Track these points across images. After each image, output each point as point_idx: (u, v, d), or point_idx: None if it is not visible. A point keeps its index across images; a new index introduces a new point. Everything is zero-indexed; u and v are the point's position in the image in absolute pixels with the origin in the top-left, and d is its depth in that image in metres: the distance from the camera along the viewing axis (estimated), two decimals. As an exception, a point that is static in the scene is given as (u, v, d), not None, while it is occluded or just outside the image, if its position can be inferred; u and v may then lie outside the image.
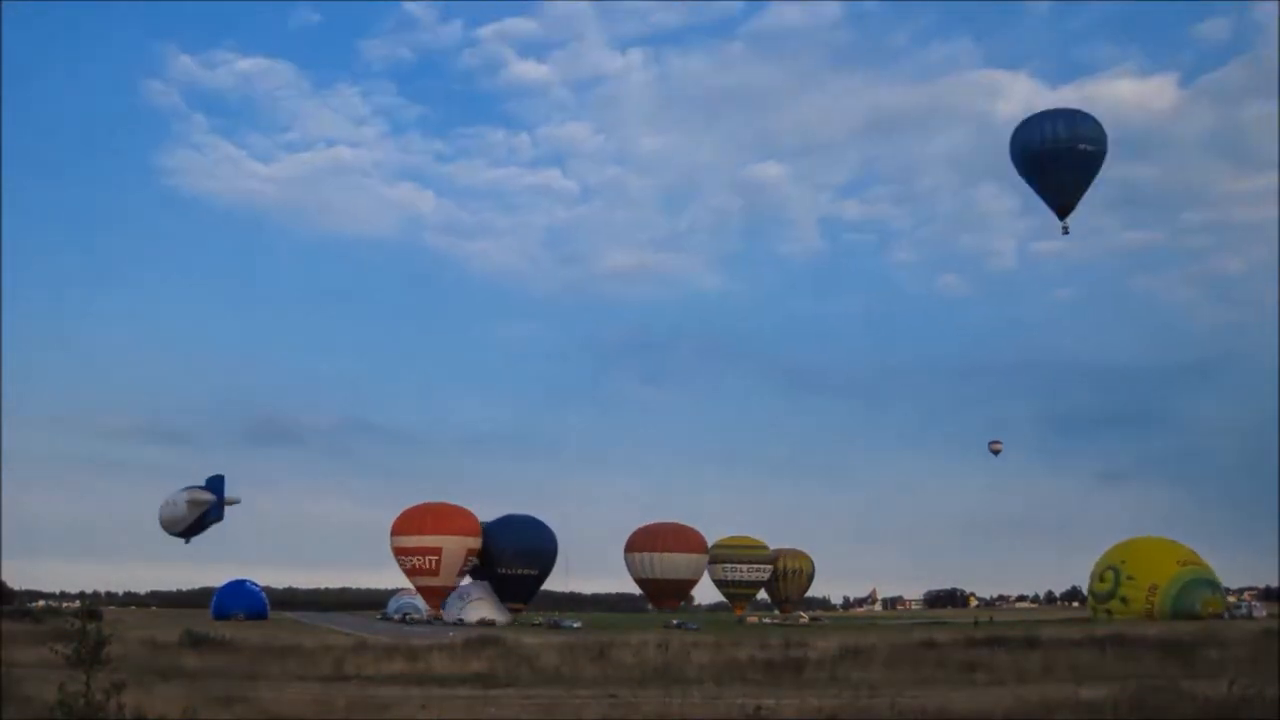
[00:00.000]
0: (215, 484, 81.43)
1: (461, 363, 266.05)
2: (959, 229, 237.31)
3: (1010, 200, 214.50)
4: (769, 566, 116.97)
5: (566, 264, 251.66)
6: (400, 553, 79.03)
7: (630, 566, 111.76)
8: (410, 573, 79.30)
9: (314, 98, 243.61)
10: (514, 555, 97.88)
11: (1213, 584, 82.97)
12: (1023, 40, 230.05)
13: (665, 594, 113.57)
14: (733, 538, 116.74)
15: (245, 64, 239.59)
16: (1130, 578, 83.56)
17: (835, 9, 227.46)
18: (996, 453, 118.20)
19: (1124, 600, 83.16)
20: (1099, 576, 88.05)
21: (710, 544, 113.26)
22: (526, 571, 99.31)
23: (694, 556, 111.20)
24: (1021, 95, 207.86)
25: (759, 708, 18.94)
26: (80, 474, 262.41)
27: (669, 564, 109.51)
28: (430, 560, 77.35)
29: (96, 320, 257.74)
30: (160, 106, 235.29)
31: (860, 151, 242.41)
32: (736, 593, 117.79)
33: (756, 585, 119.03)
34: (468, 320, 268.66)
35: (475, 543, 79.75)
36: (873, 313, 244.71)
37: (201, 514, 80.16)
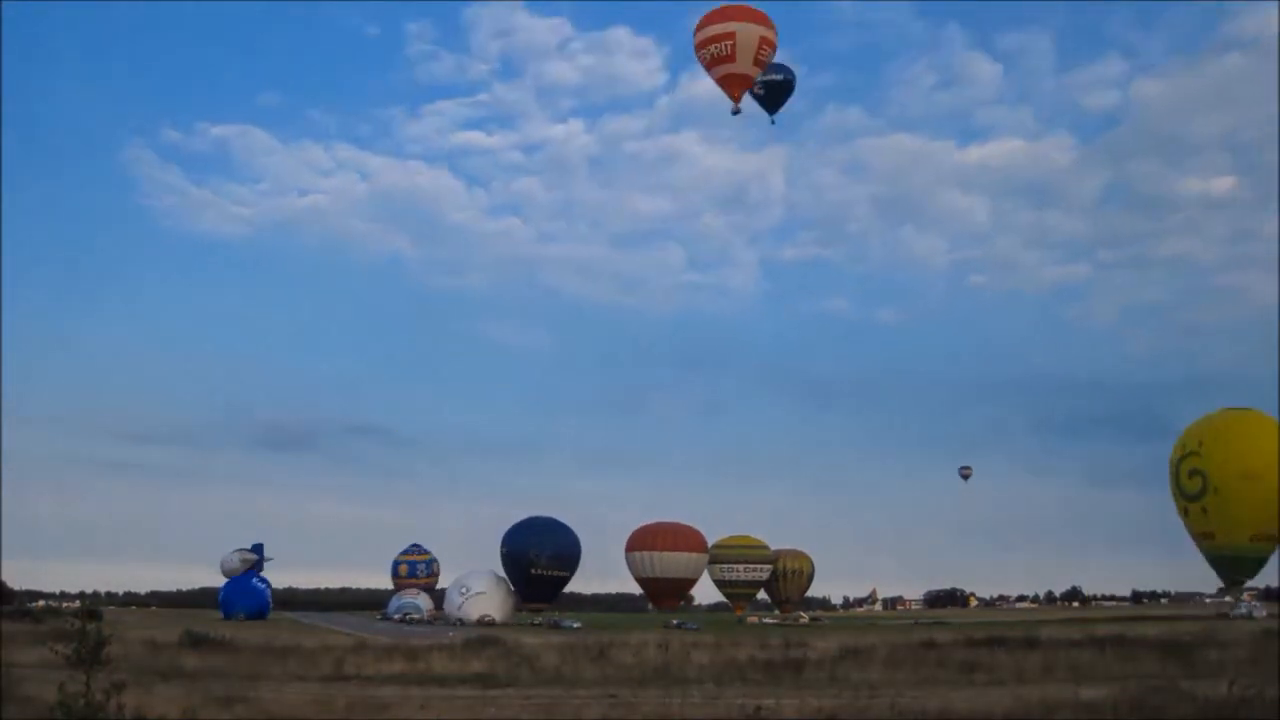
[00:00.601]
0: (257, 548, 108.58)
1: (459, 369, 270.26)
2: (891, 267, 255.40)
3: (936, 239, 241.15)
4: (769, 566, 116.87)
5: (542, 294, 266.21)
6: (701, 46, 79.62)
7: (631, 566, 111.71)
8: (711, 63, 79.47)
9: (282, 153, 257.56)
10: (550, 559, 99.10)
11: (1261, 563, 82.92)
12: (916, 105, 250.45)
13: (665, 593, 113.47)
14: (733, 537, 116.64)
15: (218, 130, 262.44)
16: (1210, 506, 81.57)
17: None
18: (966, 478, 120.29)
19: (1205, 511, 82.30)
20: (1186, 471, 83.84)
21: (711, 544, 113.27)
22: (559, 573, 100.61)
23: (694, 556, 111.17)
24: (933, 152, 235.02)
25: (759, 708, 18.94)
26: (80, 474, 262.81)
27: (669, 563, 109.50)
28: (726, 46, 77.87)
29: (96, 322, 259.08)
30: (142, 159, 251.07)
31: (786, 203, 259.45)
32: (736, 593, 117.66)
33: (756, 585, 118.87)
34: (461, 330, 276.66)
35: (769, 33, 79.79)
36: (846, 327, 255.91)
37: (249, 567, 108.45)
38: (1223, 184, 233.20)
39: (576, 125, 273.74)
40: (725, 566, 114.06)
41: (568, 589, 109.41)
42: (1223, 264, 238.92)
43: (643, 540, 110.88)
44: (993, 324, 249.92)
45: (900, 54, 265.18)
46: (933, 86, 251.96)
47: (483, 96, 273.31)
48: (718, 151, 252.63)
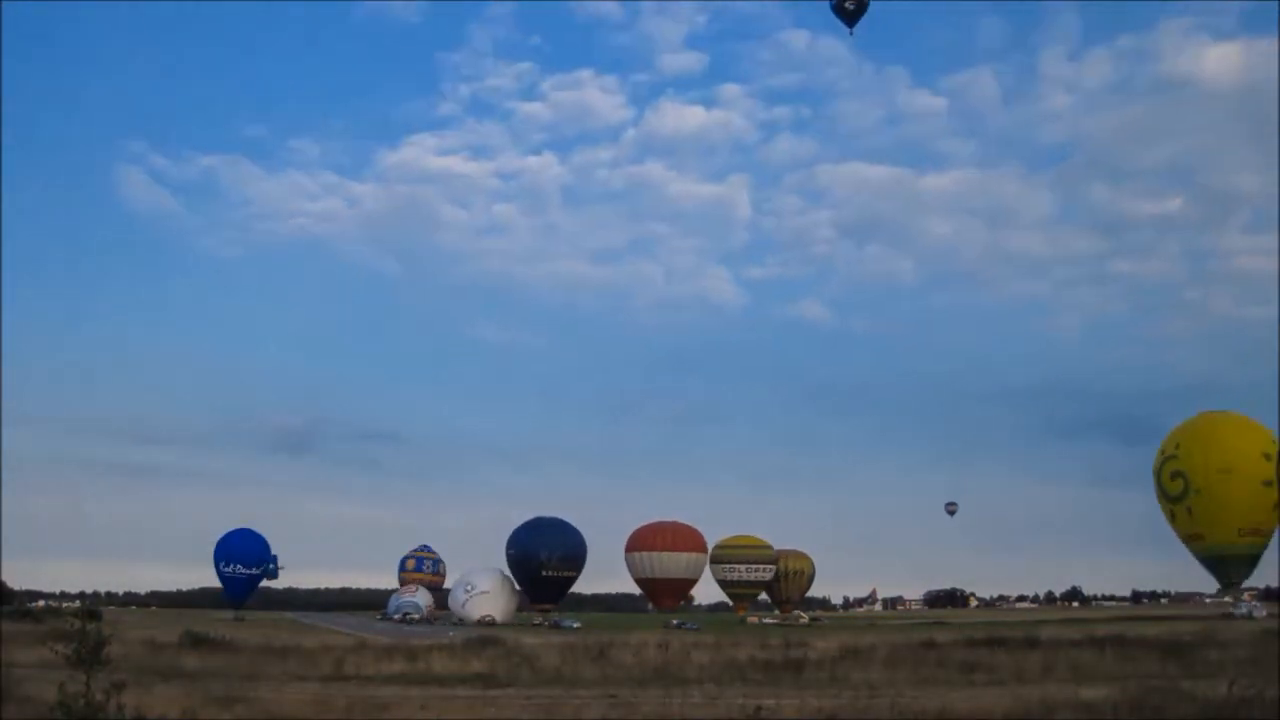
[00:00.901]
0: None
1: (457, 374, 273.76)
2: (861, 284, 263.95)
3: (902, 259, 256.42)
4: (773, 566, 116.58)
5: (533, 305, 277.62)
6: None
7: (630, 567, 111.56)
8: None
9: (269, 180, 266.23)
10: (560, 560, 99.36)
11: (1254, 560, 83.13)
12: (868, 137, 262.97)
13: (665, 593, 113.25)
14: (736, 537, 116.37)
15: (207, 159, 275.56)
16: (1194, 505, 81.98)
17: (701, 114, 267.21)
18: (952, 514, 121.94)
19: (1190, 511, 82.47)
20: (1168, 474, 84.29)
21: (714, 544, 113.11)
22: (568, 574, 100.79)
23: (693, 555, 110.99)
24: (886, 181, 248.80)
25: (759, 708, 18.92)
26: (80, 474, 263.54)
27: (668, 563, 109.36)
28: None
29: (97, 323, 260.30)
30: (135, 182, 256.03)
31: (753, 227, 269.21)
32: (740, 592, 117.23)
33: (760, 585, 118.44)
34: (458, 337, 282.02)
35: None
36: (833, 336, 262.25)
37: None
38: (1172, 204, 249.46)
39: (550, 157, 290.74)
40: (729, 566, 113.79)
41: (571, 589, 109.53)
42: (1179, 278, 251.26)
43: (642, 541, 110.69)
44: (970, 334, 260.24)
45: (847, 91, 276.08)
46: (881, 120, 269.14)
47: (457, 131, 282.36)
48: (683, 180, 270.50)
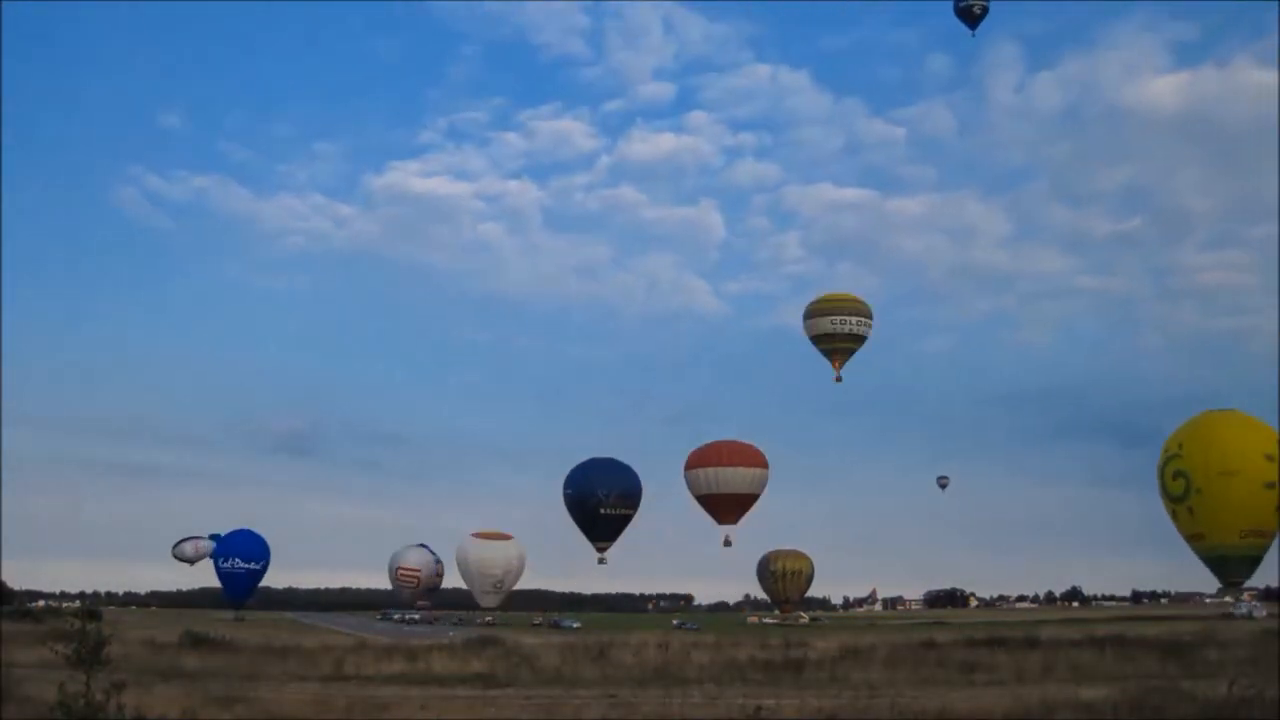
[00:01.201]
0: (215, 538, 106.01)
1: (456, 375, 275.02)
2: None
3: (871, 276, 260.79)
4: (871, 322, 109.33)
5: (522, 318, 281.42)
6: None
7: (691, 484, 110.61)
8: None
9: (260, 201, 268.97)
10: (618, 497, 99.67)
11: (1255, 561, 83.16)
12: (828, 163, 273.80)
13: (728, 508, 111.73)
14: (831, 293, 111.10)
15: (199, 180, 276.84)
16: (1195, 506, 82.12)
17: (671, 140, 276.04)
18: (944, 487, 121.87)
19: (1191, 511, 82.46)
20: (1170, 474, 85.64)
21: (808, 303, 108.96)
22: (625, 512, 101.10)
23: (755, 470, 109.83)
24: (852, 201, 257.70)
25: (759, 708, 18.90)
26: (80, 474, 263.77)
27: (730, 477, 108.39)
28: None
29: (97, 323, 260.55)
30: (131, 202, 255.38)
31: (726, 247, 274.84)
32: (837, 347, 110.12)
33: (858, 340, 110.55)
34: (458, 340, 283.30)
35: None
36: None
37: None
38: (1130, 225, 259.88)
39: (528, 182, 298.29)
40: (834, 319, 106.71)
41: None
42: (1146, 293, 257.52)
43: (703, 458, 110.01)
44: (957, 342, 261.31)
45: (806, 120, 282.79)
46: (841, 148, 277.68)
47: (439, 153, 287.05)
48: (656, 205, 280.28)
